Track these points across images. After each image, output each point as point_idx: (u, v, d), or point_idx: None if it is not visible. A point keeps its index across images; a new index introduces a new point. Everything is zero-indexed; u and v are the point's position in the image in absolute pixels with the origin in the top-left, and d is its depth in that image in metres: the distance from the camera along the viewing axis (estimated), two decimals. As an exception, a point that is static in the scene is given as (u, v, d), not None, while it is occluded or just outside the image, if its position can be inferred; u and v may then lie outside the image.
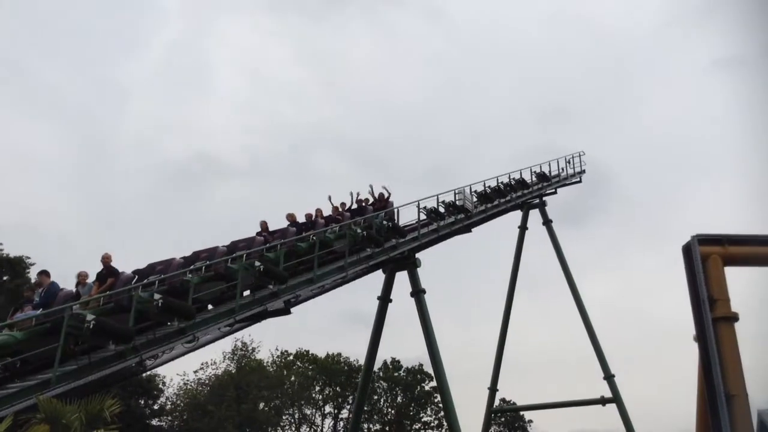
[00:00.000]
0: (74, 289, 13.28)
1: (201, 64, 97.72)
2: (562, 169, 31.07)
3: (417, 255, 21.24)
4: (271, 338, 57.90)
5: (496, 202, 26.04)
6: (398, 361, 50.60)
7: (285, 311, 16.11)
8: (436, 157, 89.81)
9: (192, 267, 14.35)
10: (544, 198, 30.38)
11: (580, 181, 31.76)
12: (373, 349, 22.02)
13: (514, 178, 27.83)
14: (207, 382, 42.28)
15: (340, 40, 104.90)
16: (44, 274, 13.00)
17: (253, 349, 43.40)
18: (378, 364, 47.59)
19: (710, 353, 10.25)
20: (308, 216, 19.29)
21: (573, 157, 31.66)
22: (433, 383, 44.21)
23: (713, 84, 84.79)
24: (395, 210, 21.61)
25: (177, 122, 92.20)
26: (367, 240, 18.74)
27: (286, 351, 48.22)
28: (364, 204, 21.38)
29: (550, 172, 30.37)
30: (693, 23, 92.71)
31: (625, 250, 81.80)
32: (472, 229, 24.42)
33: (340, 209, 20.72)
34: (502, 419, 54.82)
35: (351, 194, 21.30)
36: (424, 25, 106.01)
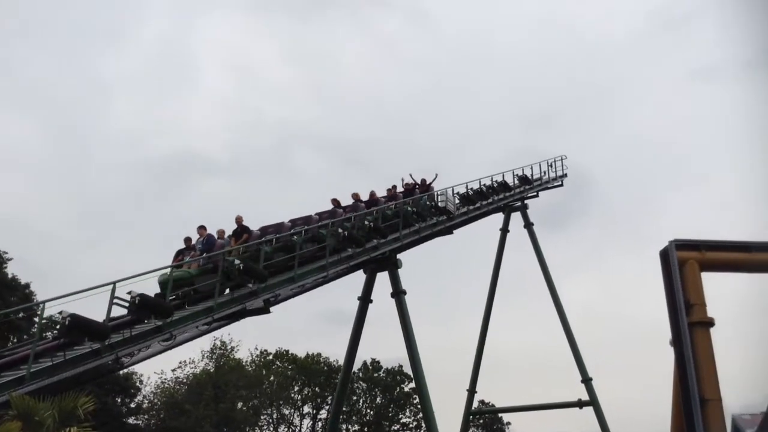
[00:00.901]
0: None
1: (186, 62, 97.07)
2: (544, 173, 31.17)
3: (398, 256, 21.27)
4: (250, 337, 57.63)
5: (477, 205, 26.10)
6: (378, 362, 50.54)
7: (264, 310, 16.00)
8: (420, 158, 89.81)
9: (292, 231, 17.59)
10: (525, 201, 30.47)
11: (561, 185, 31.85)
12: (352, 350, 21.97)
13: (496, 181, 27.91)
14: (185, 380, 41.98)
15: (327, 40, 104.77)
16: (203, 228, 16.19)
17: (232, 348, 43.26)
18: (358, 364, 47.56)
19: (686, 357, 10.35)
20: (371, 194, 22.03)
21: (555, 161, 31.79)
22: (413, 384, 44.20)
23: (693, 93, 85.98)
24: (435, 193, 24.10)
25: (161, 119, 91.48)
26: (348, 240, 18.70)
27: (266, 350, 47.96)
28: (410, 188, 23.85)
29: (532, 175, 30.47)
30: (674, 34, 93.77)
31: (606, 254, 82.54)
32: (454, 231, 24.46)
33: (393, 191, 23.32)
34: (480, 421, 54.94)
35: (402, 179, 24.29)
36: (410, 28, 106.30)
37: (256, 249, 16.15)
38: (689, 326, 10.58)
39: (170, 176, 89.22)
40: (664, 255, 11.22)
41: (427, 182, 24.44)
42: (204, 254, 15.40)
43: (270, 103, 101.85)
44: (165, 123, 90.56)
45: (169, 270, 14.01)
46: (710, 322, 10.79)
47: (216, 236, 16.26)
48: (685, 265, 10.99)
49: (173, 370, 41.95)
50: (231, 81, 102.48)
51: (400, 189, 23.75)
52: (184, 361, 42.06)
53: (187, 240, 16.22)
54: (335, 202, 20.67)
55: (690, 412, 10.13)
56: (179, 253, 16.00)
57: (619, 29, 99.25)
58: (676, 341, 10.73)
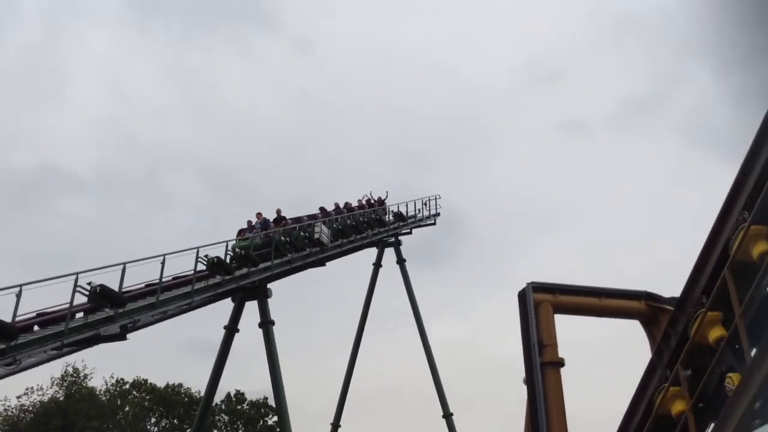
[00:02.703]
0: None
1: (55, 73, 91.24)
2: (419, 211, 31.90)
3: (269, 285, 20.97)
4: (107, 364, 54.21)
5: (352, 238, 26.27)
6: (242, 394, 49.07)
7: (120, 337, 15.19)
8: (299, 188, 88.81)
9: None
10: (399, 237, 31.06)
11: (434, 224, 32.69)
12: (215, 380, 21.26)
13: (371, 216, 28.29)
14: (30, 408, 39.03)
15: (207, 63, 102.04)
16: (260, 213, 22.71)
17: (86, 376, 40.75)
18: (222, 396, 46.06)
19: (537, 396, 10.84)
20: (345, 204, 27.26)
21: (429, 200, 32.63)
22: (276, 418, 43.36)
23: (560, 144, 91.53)
24: (387, 207, 29.78)
25: (22, 130, 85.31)
26: (217, 266, 18.24)
27: (122, 379, 45.49)
28: (369, 203, 28.91)
29: (406, 212, 31.10)
30: (544, 87, 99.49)
31: (473, 293, 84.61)
32: (327, 263, 24.45)
33: (361, 202, 28.55)
34: (344, 455, 54.51)
35: (363, 195, 29.29)
36: (294, 57, 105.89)
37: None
38: (541, 366, 11.10)
39: (30, 192, 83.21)
40: (522, 296, 11.75)
41: (382, 199, 29.57)
42: (262, 231, 21.65)
43: (144, 123, 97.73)
44: (28, 135, 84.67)
45: (236, 241, 20.26)
46: (561, 363, 11.38)
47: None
48: (540, 306, 11.56)
49: (18, 397, 38.90)
50: (103, 97, 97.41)
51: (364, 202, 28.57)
52: (31, 388, 39.05)
53: (249, 222, 22.32)
54: (322, 209, 25.58)
55: (539, 448, 10.56)
56: (242, 231, 21.72)
57: (499, 78, 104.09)
58: (529, 380, 11.22)
